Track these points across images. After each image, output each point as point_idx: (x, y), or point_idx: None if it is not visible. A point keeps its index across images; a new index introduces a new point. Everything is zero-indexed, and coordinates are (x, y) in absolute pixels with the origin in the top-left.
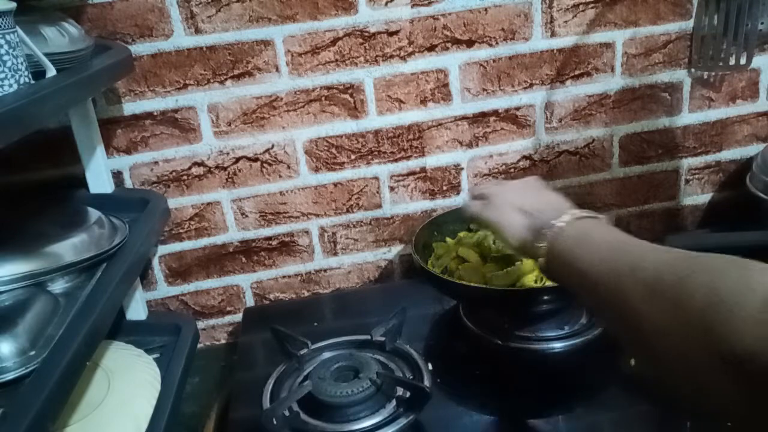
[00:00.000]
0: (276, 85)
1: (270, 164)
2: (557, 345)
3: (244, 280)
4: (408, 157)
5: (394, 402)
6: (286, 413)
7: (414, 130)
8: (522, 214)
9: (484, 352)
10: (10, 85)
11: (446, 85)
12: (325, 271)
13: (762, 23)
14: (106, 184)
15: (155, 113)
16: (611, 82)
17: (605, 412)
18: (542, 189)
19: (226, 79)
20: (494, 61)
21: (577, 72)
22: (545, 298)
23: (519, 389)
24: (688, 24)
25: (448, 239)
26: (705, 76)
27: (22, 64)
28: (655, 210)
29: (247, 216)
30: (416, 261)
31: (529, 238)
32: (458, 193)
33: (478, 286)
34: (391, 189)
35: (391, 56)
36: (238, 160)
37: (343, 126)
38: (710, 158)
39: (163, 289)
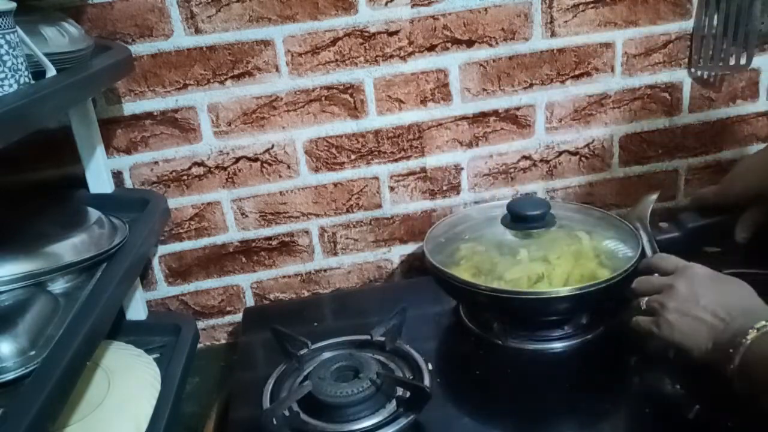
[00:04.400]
0: (276, 85)
1: (270, 164)
2: (557, 345)
3: (244, 280)
4: (408, 157)
5: (394, 402)
6: (286, 413)
7: (414, 130)
8: (706, 319)
9: (484, 352)
10: (10, 85)
11: (446, 85)
12: (325, 271)
13: (762, 23)
14: (106, 184)
15: (155, 113)
16: (611, 82)
17: (605, 412)
18: (721, 281)
19: (226, 79)
20: (494, 61)
21: (577, 72)
22: (560, 307)
23: (519, 389)
24: (688, 24)
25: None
26: (705, 76)
27: (22, 64)
28: (655, 210)
29: (247, 216)
30: (428, 262)
31: (718, 348)
32: (458, 193)
33: (490, 287)
34: (391, 189)
35: (391, 56)
36: (238, 160)
37: (343, 126)
38: (710, 158)
39: (163, 289)
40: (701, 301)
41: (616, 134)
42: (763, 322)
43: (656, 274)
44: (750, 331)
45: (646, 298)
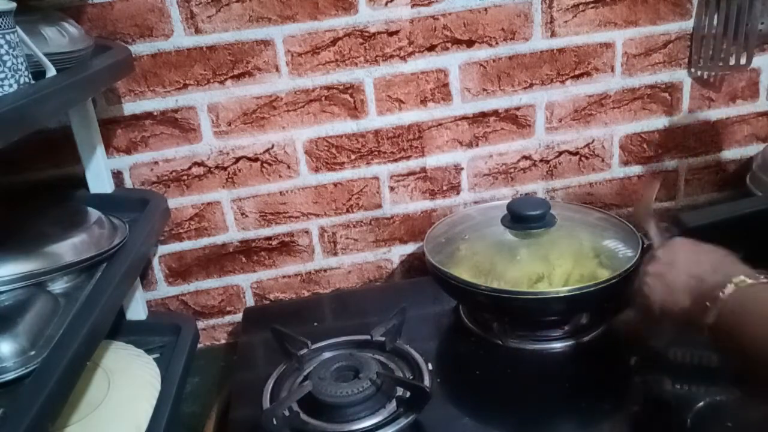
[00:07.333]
0: (276, 85)
1: (270, 164)
2: (557, 345)
3: (244, 280)
4: (408, 157)
5: (394, 402)
6: (286, 413)
7: (414, 130)
8: (682, 278)
9: (484, 352)
10: (10, 85)
11: (446, 85)
12: (325, 271)
13: (762, 23)
14: (106, 184)
15: (155, 113)
16: (611, 82)
17: (605, 412)
18: (710, 251)
19: (226, 79)
20: (494, 61)
21: (577, 72)
22: (560, 307)
23: (519, 389)
24: (688, 24)
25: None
26: (705, 76)
27: (22, 64)
28: (656, 210)
29: (247, 216)
30: (428, 262)
31: (696, 302)
32: (458, 193)
33: (490, 287)
34: (391, 189)
35: (391, 56)
36: (238, 160)
37: (343, 126)
38: (710, 158)
39: (163, 289)
40: (679, 263)
41: (616, 134)
42: (742, 277)
43: None
44: (728, 285)
45: None
